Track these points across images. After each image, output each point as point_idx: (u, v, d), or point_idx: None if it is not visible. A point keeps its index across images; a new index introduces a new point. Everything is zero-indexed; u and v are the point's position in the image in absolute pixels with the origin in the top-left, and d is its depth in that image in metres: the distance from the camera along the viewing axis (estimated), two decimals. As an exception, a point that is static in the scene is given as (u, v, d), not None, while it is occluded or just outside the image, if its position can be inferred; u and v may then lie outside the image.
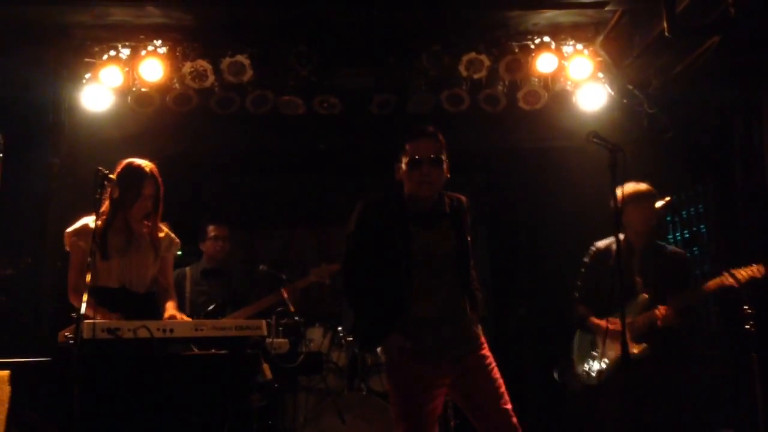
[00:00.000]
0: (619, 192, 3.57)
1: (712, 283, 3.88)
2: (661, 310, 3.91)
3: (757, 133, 4.81)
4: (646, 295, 4.02)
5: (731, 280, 3.78)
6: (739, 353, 4.72)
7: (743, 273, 3.78)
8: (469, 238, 3.35)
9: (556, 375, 5.54)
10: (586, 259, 4.33)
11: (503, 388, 3.23)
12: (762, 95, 4.76)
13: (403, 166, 3.30)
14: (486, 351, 3.32)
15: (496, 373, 3.26)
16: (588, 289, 4.25)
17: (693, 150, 5.34)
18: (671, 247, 4.27)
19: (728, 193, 5.15)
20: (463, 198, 3.48)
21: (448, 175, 3.34)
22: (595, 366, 4.14)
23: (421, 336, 3.18)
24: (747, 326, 3.39)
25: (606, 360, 4.07)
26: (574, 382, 4.37)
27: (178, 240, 3.95)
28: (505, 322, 7.56)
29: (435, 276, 3.23)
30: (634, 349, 3.90)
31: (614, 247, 4.02)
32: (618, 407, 3.93)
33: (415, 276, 3.19)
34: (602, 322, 4.01)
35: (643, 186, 4.14)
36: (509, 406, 3.20)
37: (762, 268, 3.77)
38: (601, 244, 4.25)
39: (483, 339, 3.35)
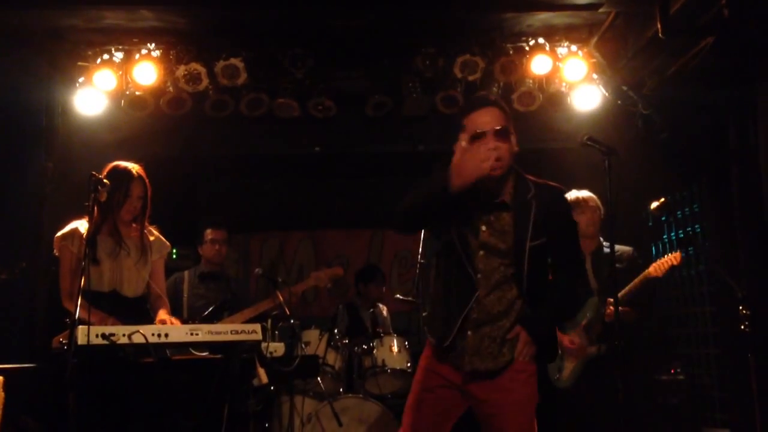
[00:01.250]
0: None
1: (641, 278, 4.12)
2: (609, 308, 4.06)
3: (752, 133, 4.82)
4: (596, 298, 4.18)
5: (656, 271, 4.07)
6: (735, 354, 4.74)
7: (662, 264, 4.06)
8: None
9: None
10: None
11: None
12: (756, 95, 4.77)
13: (463, 143, 2.71)
14: (515, 385, 2.73)
15: (514, 418, 2.71)
16: None
17: (688, 150, 5.35)
18: (619, 247, 4.29)
19: (723, 193, 5.16)
20: (557, 189, 2.93)
21: (517, 149, 2.79)
22: (564, 373, 4.28)
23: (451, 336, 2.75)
24: (743, 327, 3.39)
25: (569, 366, 4.25)
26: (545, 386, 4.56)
27: (168, 243, 3.94)
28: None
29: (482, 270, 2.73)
30: (593, 349, 4.14)
31: None
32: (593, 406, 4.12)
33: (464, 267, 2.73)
34: (563, 338, 4.11)
35: (583, 193, 4.33)
36: None
37: (678, 255, 4.04)
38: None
39: (526, 362, 2.75)
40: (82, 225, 3.65)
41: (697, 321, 5.71)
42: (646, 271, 4.12)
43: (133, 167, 3.76)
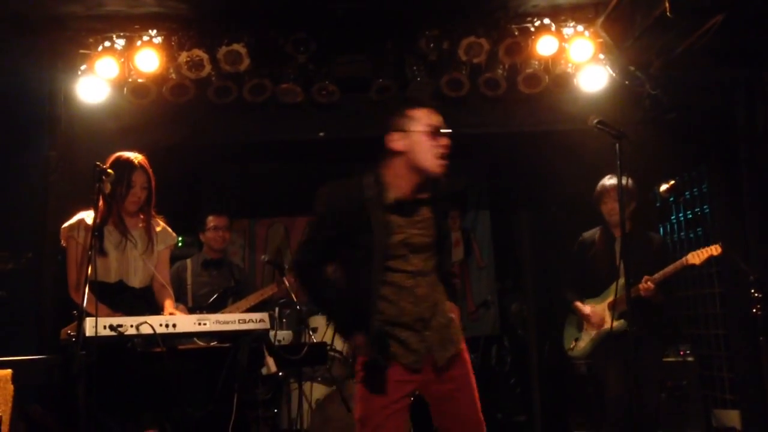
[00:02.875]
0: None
1: (677, 264, 4.18)
2: (644, 284, 4.15)
3: (761, 112, 4.77)
4: (622, 279, 4.10)
5: (694, 259, 4.12)
6: (744, 335, 4.72)
7: (702, 254, 4.12)
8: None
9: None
10: (574, 248, 4.68)
11: (478, 403, 2.95)
12: (764, 74, 4.72)
13: (418, 135, 2.83)
14: (466, 355, 2.99)
15: (473, 384, 2.96)
16: (574, 276, 4.65)
17: (696, 130, 5.29)
18: (650, 234, 4.57)
19: (732, 173, 5.12)
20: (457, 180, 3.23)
21: None
22: (580, 344, 4.55)
23: (395, 339, 2.83)
24: (754, 310, 3.37)
25: (586, 338, 4.50)
26: (560, 357, 4.88)
27: (174, 234, 3.93)
28: (508, 305, 7.57)
29: (412, 271, 2.86)
30: (614, 324, 4.22)
31: (597, 237, 4.55)
32: (609, 376, 4.28)
33: (390, 271, 2.82)
34: (584, 308, 4.47)
35: (607, 182, 4.45)
36: (482, 425, 2.94)
37: (719, 247, 4.07)
38: (586, 234, 4.65)
39: (462, 339, 2.99)
40: (88, 216, 3.64)
41: (705, 302, 5.69)
42: (684, 258, 4.16)
43: (136, 157, 3.75)
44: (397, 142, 2.88)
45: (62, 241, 3.68)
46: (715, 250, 4.11)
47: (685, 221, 5.98)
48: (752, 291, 3.40)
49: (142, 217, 3.79)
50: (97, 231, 3.52)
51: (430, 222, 2.91)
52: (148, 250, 3.76)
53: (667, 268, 4.18)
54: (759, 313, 3.39)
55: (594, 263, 4.46)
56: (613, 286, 4.15)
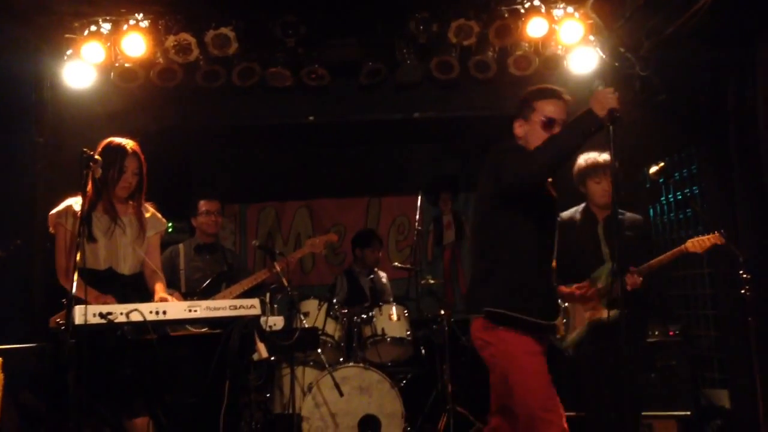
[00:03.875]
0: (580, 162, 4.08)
1: (675, 252, 3.98)
2: (630, 277, 3.94)
3: (751, 93, 4.76)
4: (610, 263, 4.07)
5: (695, 247, 3.91)
6: (732, 315, 4.75)
7: (704, 242, 3.90)
8: None
9: None
10: None
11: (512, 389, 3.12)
12: (755, 54, 4.70)
13: (536, 125, 3.14)
14: None
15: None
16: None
17: (686, 112, 5.29)
18: (629, 215, 4.25)
19: (722, 154, 5.12)
20: None
21: None
22: (568, 336, 4.24)
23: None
24: (743, 291, 3.39)
25: (575, 330, 4.21)
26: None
27: (164, 221, 3.91)
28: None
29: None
30: (603, 314, 4.02)
31: (578, 218, 4.27)
32: (595, 368, 4.07)
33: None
34: (571, 289, 4.11)
35: (601, 158, 4.11)
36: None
37: (720, 237, 3.88)
38: (565, 214, 4.29)
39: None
40: (77, 202, 3.61)
41: (695, 282, 5.72)
42: (683, 246, 3.99)
43: (128, 143, 3.72)
44: (518, 128, 3.23)
45: (51, 228, 3.65)
46: (717, 239, 3.93)
47: (675, 202, 5.99)
48: (741, 272, 3.42)
49: (132, 203, 3.76)
50: (85, 217, 3.52)
51: None
52: (138, 236, 3.73)
53: (663, 256, 4.02)
54: (748, 293, 3.40)
55: (576, 246, 4.15)
56: (599, 272, 4.08)
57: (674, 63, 5.12)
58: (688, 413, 4.82)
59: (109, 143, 3.70)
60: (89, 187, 3.59)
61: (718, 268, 5.17)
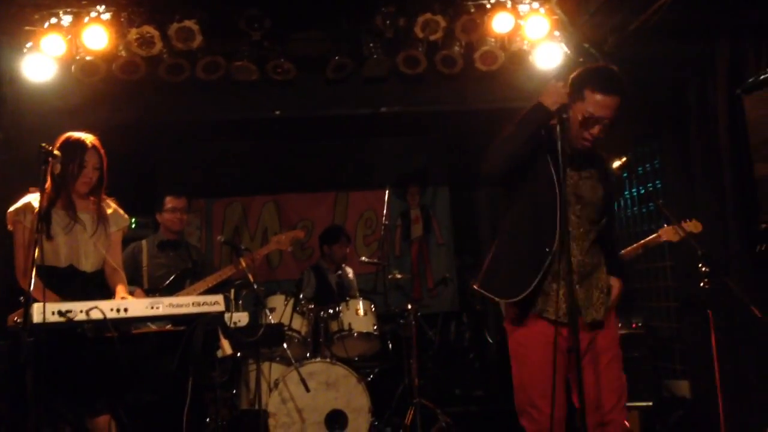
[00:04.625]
0: None
1: (648, 240, 4.03)
2: None
3: (712, 89, 4.84)
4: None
5: (668, 236, 3.95)
6: (693, 307, 4.84)
7: (680, 230, 3.86)
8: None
9: (488, 337, 5.70)
10: None
11: (621, 391, 2.99)
12: (714, 50, 4.78)
13: (578, 113, 2.91)
14: (614, 331, 3.09)
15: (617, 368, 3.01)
16: None
17: (649, 107, 5.36)
18: None
19: (683, 149, 5.20)
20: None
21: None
22: None
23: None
24: (702, 284, 3.44)
25: None
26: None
27: (127, 216, 3.86)
28: (466, 281, 7.63)
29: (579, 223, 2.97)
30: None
31: None
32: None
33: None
34: None
35: None
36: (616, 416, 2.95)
37: (699, 224, 3.91)
38: None
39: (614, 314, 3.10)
40: (35, 199, 3.54)
41: (657, 275, 5.81)
42: (656, 234, 3.97)
43: (87, 137, 3.66)
44: (569, 104, 2.91)
45: (9, 226, 3.58)
46: (694, 227, 3.90)
47: (638, 196, 6.07)
48: (700, 265, 3.47)
49: (92, 199, 3.70)
50: (44, 214, 3.46)
51: (597, 182, 3.05)
52: (99, 232, 3.68)
53: (637, 245, 3.99)
54: (707, 286, 3.46)
55: None
56: None
57: (637, 59, 5.18)
58: (650, 404, 4.90)
59: (69, 138, 3.63)
60: (48, 183, 3.53)
61: (679, 261, 5.26)
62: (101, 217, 3.70)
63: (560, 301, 2.86)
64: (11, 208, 3.56)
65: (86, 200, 3.69)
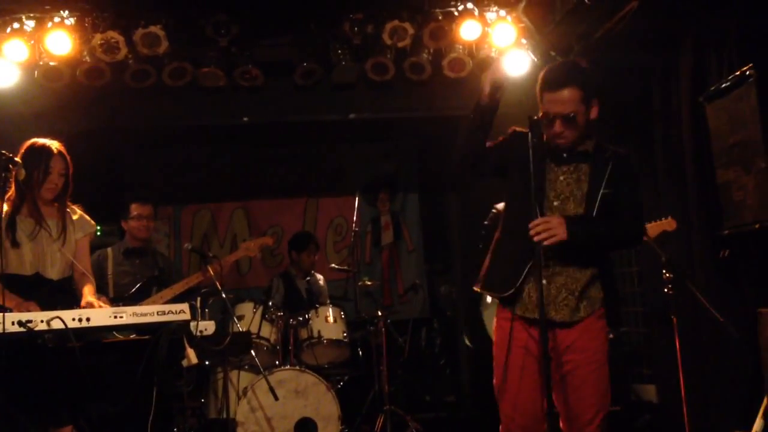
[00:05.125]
0: None
1: None
2: None
3: (675, 96, 4.91)
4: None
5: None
6: (659, 312, 4.89)
7: (654, 227, 3.85)
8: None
9: (466, 340, 5.68)
10: (486, 222, 4.49)
11: (600, 406, 2.87)
12: (678, 58, 4.85)
13: (542, 114, 2.89)
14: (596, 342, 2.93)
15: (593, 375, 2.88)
16: None
17: (614, 114, 5.41)
18: None
19: (648, 154, 5.27)
20: (627, 153, 3.09)
21: (595, 116, 2.98)
22: None
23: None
24: (666, 290, 3.48)
25: None
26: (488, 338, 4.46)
27: (93, 222, 3.81)
28: (437, 287, 7.66)
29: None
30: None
31: None
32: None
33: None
34: None
35: None
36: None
37: (673, 222, 3.84)
38: (500, 206, 4.18)
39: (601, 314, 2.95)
40: None
41: (624, 280, 5.87)
42: None
43: (52, 143, 3.62)
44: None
45: None
46: (668, 224, 3.85)
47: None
48: (664, 271, 3.50)
49: (57, 205, 3.66)
50: (9, 221, 3.44)
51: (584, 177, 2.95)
52: (64, 238, 3.63)
53: None
54: (671, 293, 3.50)
55: None
56: None
57: (603, 67, 5.23)
58: (618, 408, 4.94)
59: (33, 144, 3.59)
60: (12, 189, 3.49)
61: (645, 267, 5.32)
62: (66, 224, 3.65)
63: (526, 298, 2.89)
64: None
65: (51, 206, 3.65)
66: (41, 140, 3.61)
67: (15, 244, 3.49)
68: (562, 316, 2.88)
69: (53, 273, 3.59)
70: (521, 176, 2.90)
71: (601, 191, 2.88)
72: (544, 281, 2.74)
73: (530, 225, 2.73)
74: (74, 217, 3.73)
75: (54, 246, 3.60)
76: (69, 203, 3.73)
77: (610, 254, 3.11)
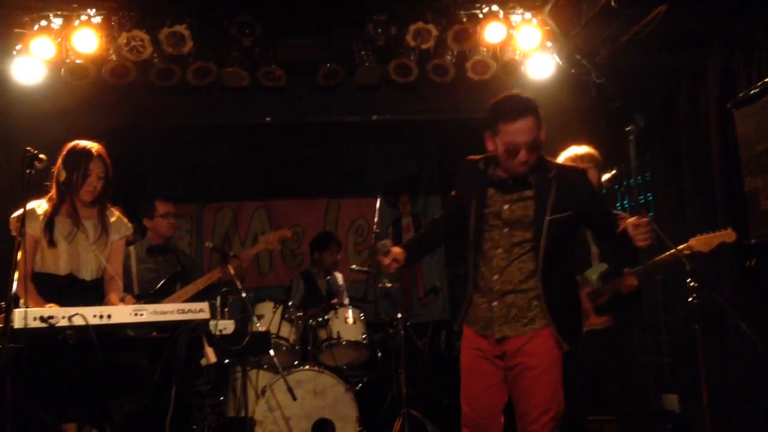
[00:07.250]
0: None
1: (673, 252, 3.66)
2: (628, 279, 3.82)
3: (703, 101, 4.84)
4: (604, 265, 3.93)
5: (700, 246, 3.69)
6: (683, 321, 4.83)
7: (712, 240, 3.69)
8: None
9: None
10: None
11: (545, 408, 2.98)
12: (707, 63, 4.79)
13: (498, 147, 2.99)
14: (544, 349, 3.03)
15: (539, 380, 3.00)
16: None
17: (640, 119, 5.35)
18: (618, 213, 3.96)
19: (674, 162, 5.20)
20: (578, 169, 3.30)
21: (544, 137, 3.04)
22: None
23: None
24: (690, 299, 3.43)
25: None
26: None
27: (130, 225, 3.86)
28: (456, 289, 7.61)
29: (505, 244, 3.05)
30: (597, 321, 3.87)
31: None
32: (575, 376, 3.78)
33: (483, 242, 3.09)
34: None
35: (581, 150, 4.03)
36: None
37: (733, 233, 3.68)
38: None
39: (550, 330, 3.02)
40: (39, 205, 3.59)
41: (647, 288, 5.80)
42: (686, 245, 3.69)
43: (93, 146, 3.67)
44: (487, 142, 3.07)
45: (12, 232, 3.54)
46: (728, 236, 3.66)
47: (630, 209, 6.06)
48: (688, 280, 3.44)
49: (96, 207, 3.70)
50: (48, 221, 3.52)
51: (530, 201, 3.06)
52: (101, 241, 3.67)
53: (663, 256, 3.73)
54: (695, 301, 3.44)
55: None
56: (588, 273, 3.90)
57: (629, 70, 5.19)
58: (610, 417, 4.85)
59: (74, 146, 3.64)
60: (53, 190, 3.58)
61: (669, 275, 5.24)
62: (104, 225, 3.69)
63: (478, 316, 3.13)
64: (13, 215, 3.54)
65: (90, 208, 3.69)
66: (82, 142, 3.66)
67: (52, 243, 3.54)
68: (516, 332, 3.05)
69: (86, 274, 3.65)
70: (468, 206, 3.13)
71: (547, 217, 3.00)
72: (495, 303, 3.05)
73: (635, 230, 2.81)
74: (112, 219, 3.77)
75: (89, 248, 3.64)
76: (108, 205, 3.76)
77: (568, 273, 3.19)
